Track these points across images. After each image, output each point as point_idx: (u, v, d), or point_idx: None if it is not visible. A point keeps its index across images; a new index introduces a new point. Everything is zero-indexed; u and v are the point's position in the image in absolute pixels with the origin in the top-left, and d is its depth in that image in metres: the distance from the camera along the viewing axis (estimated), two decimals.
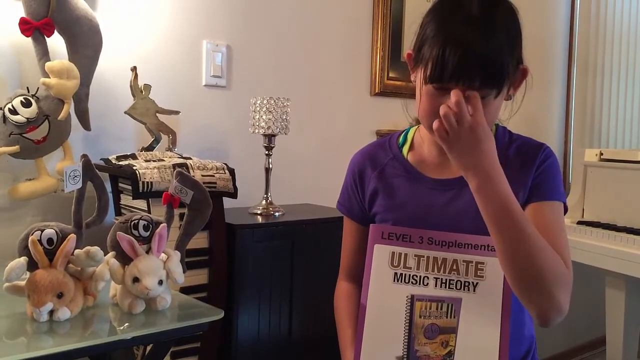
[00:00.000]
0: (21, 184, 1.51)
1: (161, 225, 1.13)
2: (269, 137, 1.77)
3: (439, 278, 0.97)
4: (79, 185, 1.11)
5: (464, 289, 0.96)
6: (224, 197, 1.54)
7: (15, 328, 1.04)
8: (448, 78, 0.94)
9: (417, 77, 1.03)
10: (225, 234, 1.55)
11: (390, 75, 2.37)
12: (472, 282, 0.96)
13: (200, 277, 1.51)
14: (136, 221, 1.13)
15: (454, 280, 0.97)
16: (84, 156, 1.13)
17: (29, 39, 1.44)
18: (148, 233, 1.13)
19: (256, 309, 1.60)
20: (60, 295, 1.03)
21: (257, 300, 1.60)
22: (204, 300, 1.32)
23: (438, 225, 1.01)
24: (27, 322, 1.03)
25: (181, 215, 1.22)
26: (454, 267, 0.97)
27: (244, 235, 1.57)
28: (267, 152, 1.78)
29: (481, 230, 0.98)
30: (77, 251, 1.07)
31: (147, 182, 1.39)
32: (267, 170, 1.79)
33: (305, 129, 2.13)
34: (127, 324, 1.06)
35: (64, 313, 1.04)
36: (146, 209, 1.43)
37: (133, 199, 1.41)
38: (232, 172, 1.55)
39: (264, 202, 1.79)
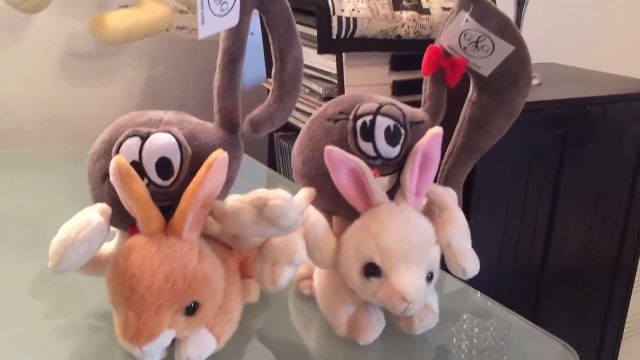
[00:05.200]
0: (110, 14, 0.86)
1: (434, 131, 0.45)
2: None
3: None
4: (234, 21, 0.42)
5: None
6: None
7: None
8: None
9: None
10: None
11: None
12: None
13: None
14: (370, 117, 0.44)
15: None
16: None
17: None
18: (398, 150, 0.45)
19: (498, 226, 0.95)
20: (191, 309, 0.39)
21: (502, 213, 0.94)
22: None
23: None
24: None
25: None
26: None
27: None
28: None
29: None
30: (231, 199, 0.40)
31: (347, 19, 0.68)
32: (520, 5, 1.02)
33: None
34: None
35: (201, 349, 0.41)
36: (334, 71, 0.74)
37: (318, 54, 0.71)
38: None
39: None
